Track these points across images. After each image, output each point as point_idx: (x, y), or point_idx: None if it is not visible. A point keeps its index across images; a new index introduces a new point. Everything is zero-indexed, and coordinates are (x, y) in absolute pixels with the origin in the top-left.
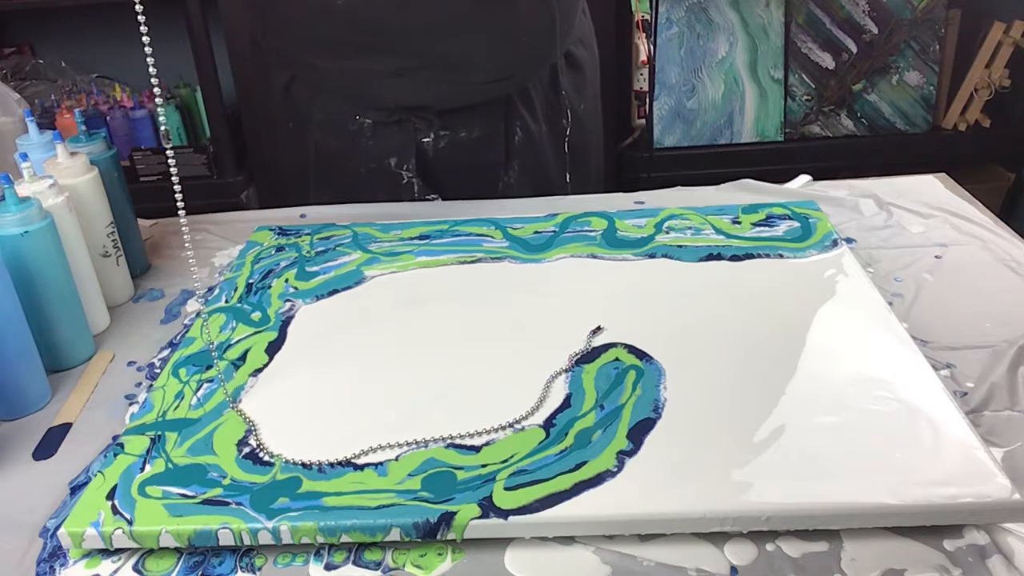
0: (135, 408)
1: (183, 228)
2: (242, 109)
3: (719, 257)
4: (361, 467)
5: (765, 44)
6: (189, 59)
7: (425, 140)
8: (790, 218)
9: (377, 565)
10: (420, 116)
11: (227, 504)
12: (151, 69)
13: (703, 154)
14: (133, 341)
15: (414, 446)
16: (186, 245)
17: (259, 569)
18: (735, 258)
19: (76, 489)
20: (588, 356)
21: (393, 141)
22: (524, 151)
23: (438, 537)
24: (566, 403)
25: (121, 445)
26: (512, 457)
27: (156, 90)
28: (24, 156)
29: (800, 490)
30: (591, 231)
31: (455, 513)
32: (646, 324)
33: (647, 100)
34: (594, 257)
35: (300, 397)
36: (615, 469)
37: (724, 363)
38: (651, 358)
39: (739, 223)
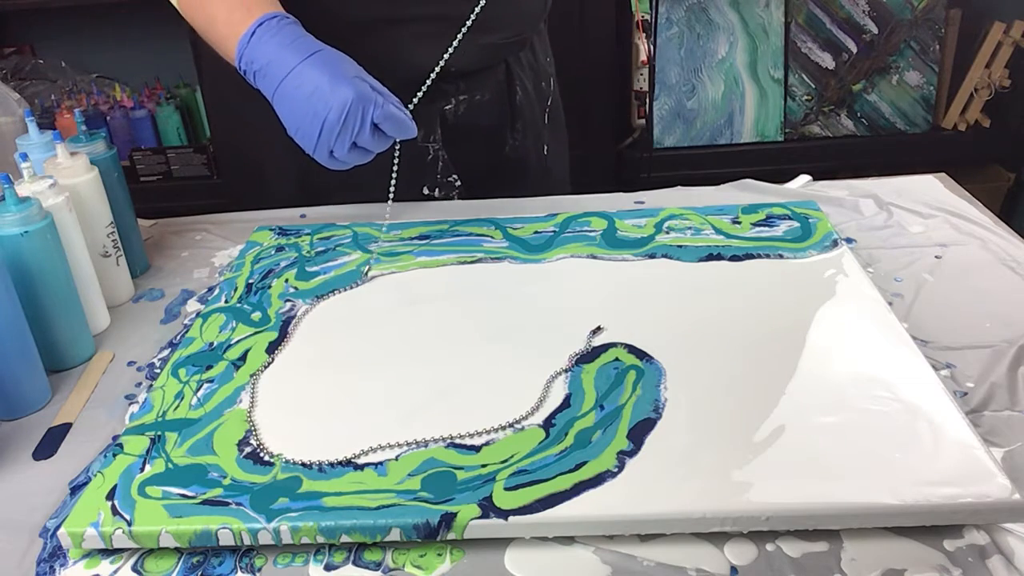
0: (135, 408)
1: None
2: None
3: (719, 257)
4: (361, 467)
5: (765, 44)
6: (189, 59)
7: (447, 108)
8: (790, 218)
9: (377, 565)
10: (449, 81)
11: (227, 504)
12: None
13: (703, 154)
14: (133, 341)
15: (414, 446)
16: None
17: (259, 569)
18: (735, 258)
19: (76, 489)
20: (588, 356)
21: (420, 114)
22: (524, 109)
23: (438, 538)
24: (566, 403)
25: (121, 445)
26: (512, 457)
27: None
28: (24, 156)
29: (800, 490)
30: (591, 231)
31: (455, 514)
32: (646, 324)
33: (647, 100)
34: (594, 257)
35: (300, 397)
36: (615, 469)
37: (724, 363)
38: (651, 358)
39: (739, 223)
